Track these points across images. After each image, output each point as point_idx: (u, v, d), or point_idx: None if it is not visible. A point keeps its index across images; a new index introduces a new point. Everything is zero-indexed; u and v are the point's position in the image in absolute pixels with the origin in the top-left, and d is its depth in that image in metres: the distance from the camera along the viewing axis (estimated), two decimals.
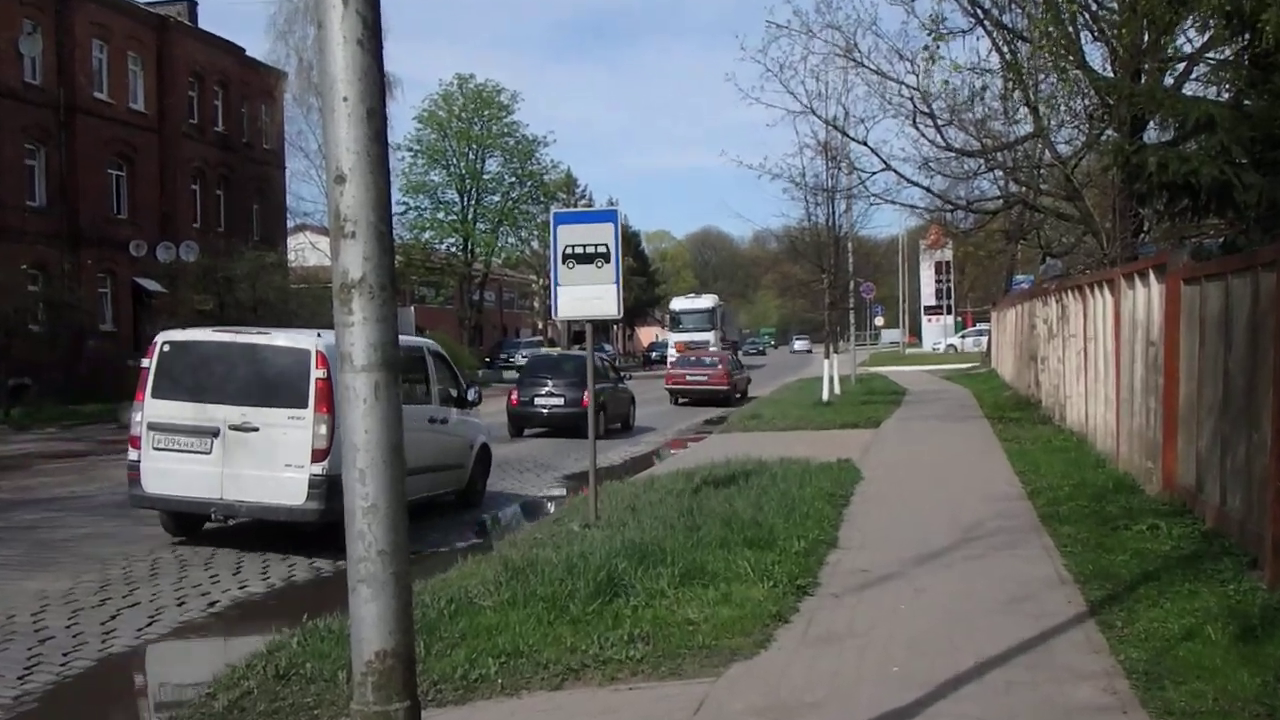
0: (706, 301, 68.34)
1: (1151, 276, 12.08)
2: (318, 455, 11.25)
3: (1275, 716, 5.41)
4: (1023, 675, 6.21)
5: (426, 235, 58.91)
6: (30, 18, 36.05)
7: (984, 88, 20.15)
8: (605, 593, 7.86)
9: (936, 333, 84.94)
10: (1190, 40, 17.34)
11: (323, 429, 11.22)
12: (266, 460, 11.40)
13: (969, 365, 51.21)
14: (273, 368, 11.67)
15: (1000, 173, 25.92)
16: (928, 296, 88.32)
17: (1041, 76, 19.34)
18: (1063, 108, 19.79)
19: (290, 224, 53.13)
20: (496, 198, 59.59)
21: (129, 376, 33.25)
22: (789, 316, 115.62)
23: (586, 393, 23.66)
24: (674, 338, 64.87)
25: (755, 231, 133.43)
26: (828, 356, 31.82)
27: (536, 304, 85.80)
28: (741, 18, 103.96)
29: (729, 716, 5.77)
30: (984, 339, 56.96)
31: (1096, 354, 15.62)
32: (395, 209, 36.65)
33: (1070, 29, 16.80)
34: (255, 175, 48.21)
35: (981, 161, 23.83)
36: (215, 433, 11.56)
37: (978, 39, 20.15)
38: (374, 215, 3.02)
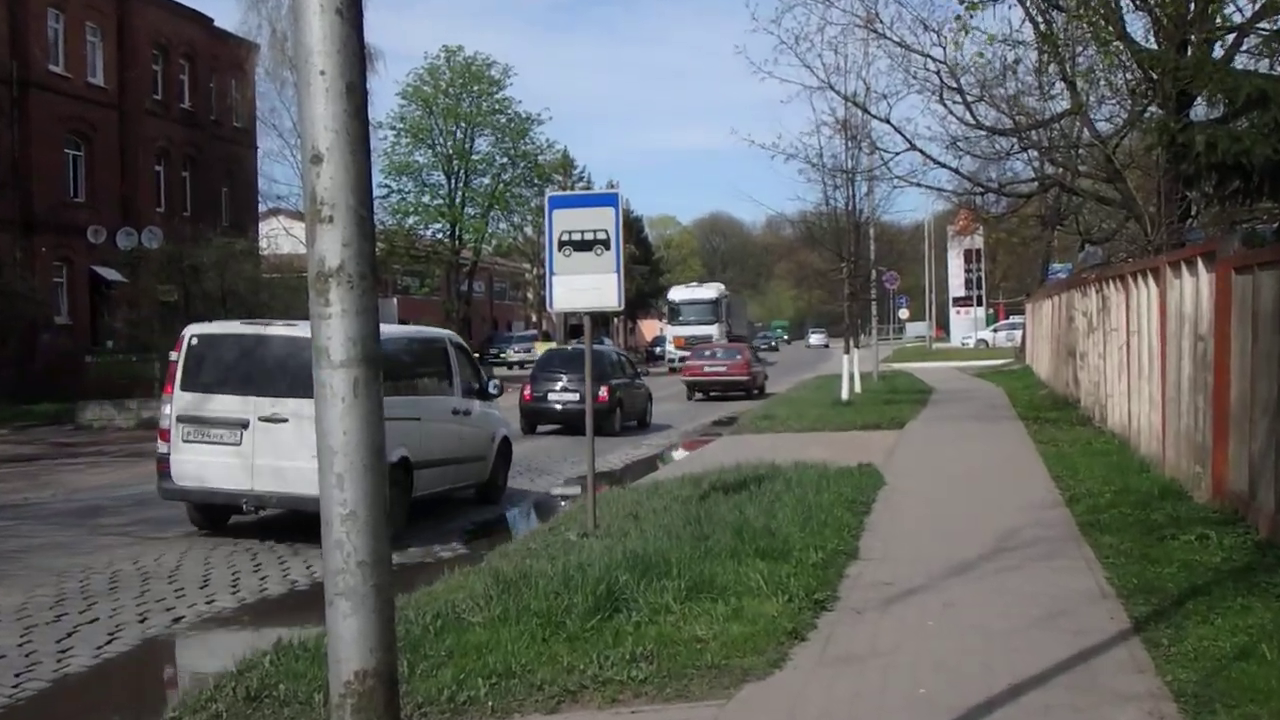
0: (710, 291, 67.42)
1: (1200, 265, 12.05)
2: None
3: None
4: (1061, 698, 6.20)
5: (411, 220, 58.86)
6: None
7: (1017, 61, 20.16)
8: (605, 607, 7.86)
9: (966, 326, 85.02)
10: (1240, 9, 17.35)
11: None
12: (295, 451, 12.02)
13: (1001, 361, 51.23)
14: (300, 359, 11.94)
15: (1035, 153, 25.94)
16: (956, 287, 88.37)
17: (1079, 48, 19.36)
18: (1102, 82, 19.82)
19: (262, 208, 53.25)
20: (487, 180, 59.53)
21: (86, 373, 33.61)
22: (805, 309, 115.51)
23: (603, 388, 25.57)
24: (672, 331, 64.30)
25: (768, 216, 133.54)
26: (847, 352, 31.83)
27: (530, 295, 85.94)
28: None
29: None
30: (1017, 333, 56.96)
31: (1140, 349, 15.61)
32: (377, 192, 36.74)
33: None
34: (224, 155, 48.28)
35: (1014, 141, 23.84)
36: (245, 424, 12.56)
37: (1009, 8, 20.18)
38: (353, 198, 3.02)
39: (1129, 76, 18.96)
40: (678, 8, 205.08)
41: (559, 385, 26.38)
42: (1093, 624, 7.62)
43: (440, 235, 60.48)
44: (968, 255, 79.85)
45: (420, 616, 7.91)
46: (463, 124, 58.42)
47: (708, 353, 41.04)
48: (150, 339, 35.78)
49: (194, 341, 13.07)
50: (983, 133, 23.40)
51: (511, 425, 17.76)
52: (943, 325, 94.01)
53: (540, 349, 63.82)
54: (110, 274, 40.21)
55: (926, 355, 68.26)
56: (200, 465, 12.74)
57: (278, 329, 13.13)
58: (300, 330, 12.75)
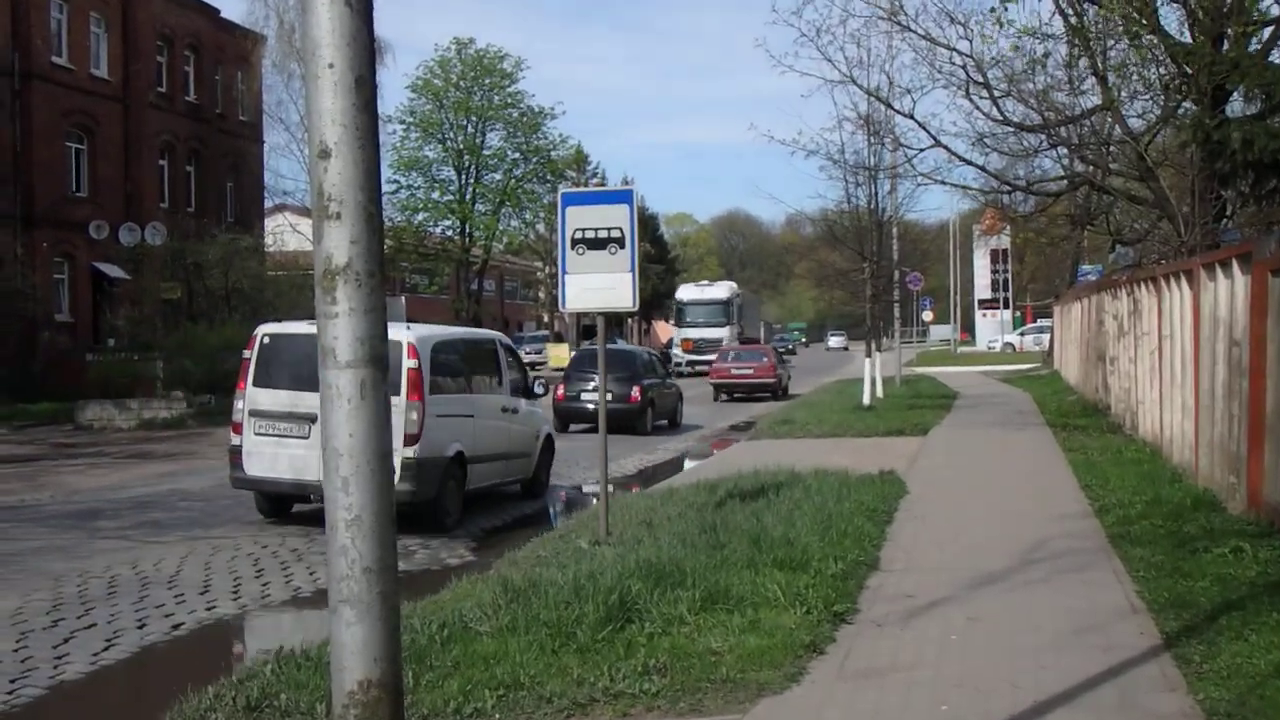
0: (720, 290, 65.61)
1: (1235, 267, 12.00)
2: (409, 440, 13.55)
3: None
4: (1089, 717, 6.18)
5: (420, 217, 58.92)
6: None
7: (1046, 55, 20.08)
8: (617, 618, 7.85)
9: (992, 329, 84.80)
10: (1278, 1, 17.26)
11: (414, 415, 13.66)
12: None
13: (1029, 366, 51.14)
14: None
15: (1064, 150, 25.80)
16: (982, 288, 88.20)
17: (1111, 42, 19.28)
18: (1135, 77, 19.72)
19: (268, 204, 53.39)
20: (498, 176, 59.55)
21: (87, 372, 33.73)
22: (825, 309, 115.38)
23: (635, 388, 27.10)
24: (679, 334, 62.47)
25: (788, 215, 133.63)
26: (869, 355, 31.79)
27: (542, 294, 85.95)
28: None
29: None
30: (1045, 337, 56.83)
31: (1172, 354, 15.55)
32: (385, 187, 36.63)
33: None
34: (230, 149, 48.42)
35: (1043, 137, 23.75)
36: (313, 419, 13.21)
37: (1039, 0, 20.12)
38: (362, 194, 3.02)
39: (1162, 71, 18.89)
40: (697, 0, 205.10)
41: (591, 385, 26.84)
42: (1122, 639, 7.59)
43: (450, 232, 60.51)
44: (994, 255, 79.59)
45: (426, 625, 7.91)
46: (474, 118, 58.46)
47: (733, 355, 43.13)
48: (152, 337, 35.93)
49: (266, 340, 14.34)
50: (1010, 129, 23.32)
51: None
52: (968, 328, 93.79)
53: (551, 351, 63.90)
54: (113, 271, 40.32)
55: (951, 359, 68.12)
56: (270, 457, 13.97)
57: None
58: None
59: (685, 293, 66.28)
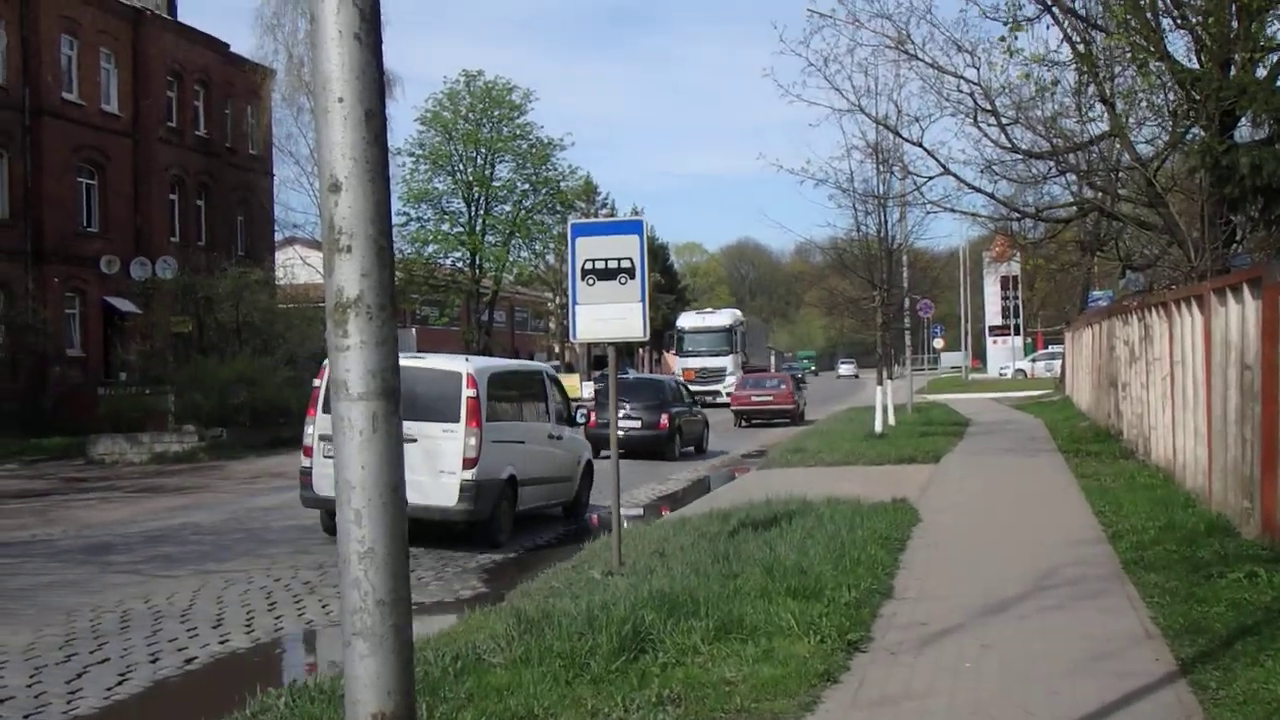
0: (722, 318, 63.32)
1: (1246, 291, 11.99)
2: (468, 463, 14.76)
3: None
4: None
5: (430, 249, 59.02)
6: None
7: (1055, 82, 20.14)
8: (630, 648, 7.84)
9: (1003, 356, 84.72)
10: None
11: (473, 440, 14.79)
12: (424, 467, 14.26)
13: (1040, 392, 51.01)
14: (429, 387, 14.86)
15: (1073, 176, 25.89)
16: (992, 315, 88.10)
17: (1119, 68, 19.33)
18: (1143, 103, 19.77)
19: (278, 237, 53.47)
20: (508, 207, 59.64)
21: (98, 406, 33.79)
22: (836, 337, 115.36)
23: (664, 416, 28.65)
24: (680, 363, 59.59)
25: (798, 243, 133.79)
26: (880, 383, 31.75)
27: (552, 324, 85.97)
28: (780, 5, 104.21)
29: None
30: (1056, 363, 56.73)
31: (1184, 379, 15.52)
32: (395, 220, 36.84)
33: (1150, 16, 16.78)
34: (240, 183, 48.61)
35: (1052, 164, 23.81)
36: None
37: (1047, 28, 20.16)
38: (372, 227, 3.04)
39: (1170, 97, 18.94)
40: (703, 29, 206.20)
41: (621, 412, 27.42)
42: (1137, 666, 7.56)
43: (460, 264, 60.61)
44: (1004, 282, 79.62)
45: (439, 657, 7.90)
46: (483, 150, 58.60)
47: (752, 383, 45.37)
48: (163, 371, 35.97)
49: None
50: (1019, 156, 23.40)
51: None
52: (979, 355, 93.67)
53: (563, 381, 63.61)
54: (124, 305, 40.45)
55: (962, 386, 68.00)
56: None
57: (409, 360, 14.98)
58: (428, 361, 15.88)
59: (685, 321, 64.38)
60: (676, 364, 60.65)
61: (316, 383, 15.19)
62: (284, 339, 40.00)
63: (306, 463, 15.44)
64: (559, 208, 60.34)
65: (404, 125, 60.94)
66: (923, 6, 28.63)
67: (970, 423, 34.86)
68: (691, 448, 30.79)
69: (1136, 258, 33.94)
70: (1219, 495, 13.29)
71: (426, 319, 63.15)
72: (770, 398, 42.93)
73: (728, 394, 50.25)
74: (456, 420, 14.82)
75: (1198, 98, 16.88)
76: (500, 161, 59.34)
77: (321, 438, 15.06)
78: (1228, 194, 16.26)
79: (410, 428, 13.92)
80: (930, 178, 23.50)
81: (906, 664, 7.90)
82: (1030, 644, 8.29)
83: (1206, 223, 17.70)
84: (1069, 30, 19.26)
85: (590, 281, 11.75)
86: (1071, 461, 21.15)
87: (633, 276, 11.67)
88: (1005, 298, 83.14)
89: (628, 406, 27.89)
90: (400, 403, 3.13)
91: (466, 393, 14.88)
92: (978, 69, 20.48)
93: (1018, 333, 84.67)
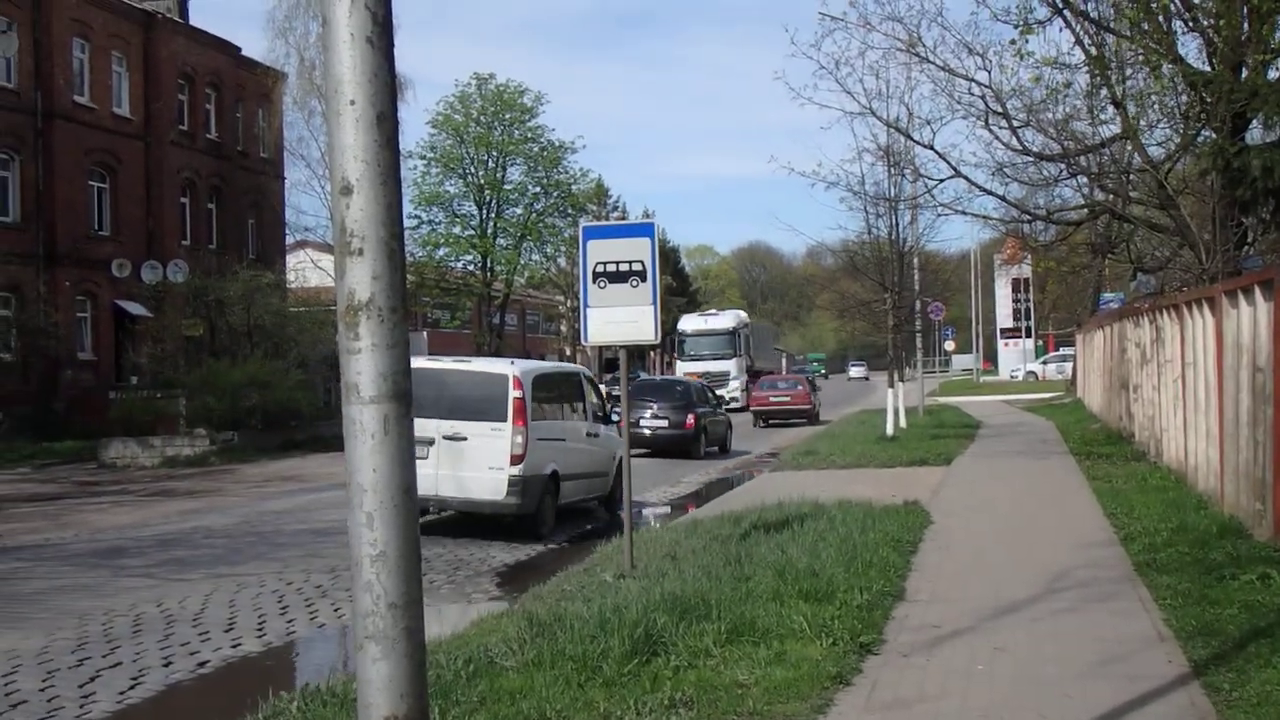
0: (726, 320, 61.46)
1: (1258, 293, 11.96)
2: (515, 459, 15.70)
3: None
4: None
5: (441, 252, 59.04)
6: (4, 14, 36.53)
7: (1067, 84, 20.10)
8: (642, 651, 7.84)
9: (1014, 358, 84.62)
10: None
11: (519, 439, 15.72)
12: (473, 464, 15.66)
13: (1052, 394, 50.92)
14: (478, 389, 16.11)
15: (1084, 179, 25.79)
16: (1004, 318, 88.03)
17: (1130, 71, 19.28)
18: (1154, 105, 19.72)
19: (289, 240, 53.60)
20: (519, 210, 59.64)
21: (110, 410, 33.86)
22: (847, 340, 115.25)
23: (690, 416, 30.15)
24: (682, 367, 57.46)
25: (809, 246, 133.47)
26: (891, 385, 31.72)
27: (564, 327, 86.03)
28: (791, 7, 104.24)
29: None
30: (1068, 365, 56.60)
31: (1196, 381, 15.49)
32: (407, 223, 36.87)
33: (1161, 19, 16.75)
34: (251, 186, 48.66)
35: (1063, 166, 23.72)
36: (431, 441, 15.38)
37: (1059, 30, 20.11)
38: (384, 230, 3.04)
39: (1182, 99, 18.89)
40: (714, 32, 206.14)
41: (649, 412, 29.65)
42: (1150, 668, 7.54)
43: (471, 267, 60.64)
44: (1015, 284, 79.48)
45: (452, 660, 7.91)
46: (494, 153, 58.61)
47: (769, 385, 47.27)
48: (175, 374, 36.02)
49: None
50: (1030, 158, 23.32)
51: None
52: (990, 357, 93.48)
53: None
54: (135, 308, 40.49)
55: (974, 388, 67.88)
56: None
57: (458, 364, 17.09)
58: (476, 365, 17.41)
59: (687, 323, 62.15)
60: (679, 368, 58.52)
61: None
62: (295, 342, 40.02)
63: None
64: (570, 211, 60.30)
65: (415, 128, 61.20)
66: (934, 9, 28.66)
67: (982, 425, 34.83)
68: (716, 447, 31.99)
69: (1148, 260, 33.83)
70: (1231, 497, 13.26)
71: (438, 322, 63.21)
72: (788, 398, 44.88)
73: (731, 399, 50.19)
74: (504, 420, 15.73)
75: (1209, 100, 16.84)
76: (512, 164, 59.34)
77: None
78: (1239, 196, 16.21)
79: (461, 427, 15.72)
80: (941, 180, 23.44)
81: (919, 666, 7.89)
82: (1042, 646, 8.27)
83: (1218, 225, 17.66)
84: (1080, 33, 19.22)
85: (602, 284, 11.75)
86: (1083, 464, 21.11)
87: (644, 279, 11.68)
88: (1016, 300, 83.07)
89: (655, 407, 29.95)
90: (411, 405, 3.13)
91: (513, 394, 15.78)
92: (989, 72, 20.44)
93: (1029, 335, 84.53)
